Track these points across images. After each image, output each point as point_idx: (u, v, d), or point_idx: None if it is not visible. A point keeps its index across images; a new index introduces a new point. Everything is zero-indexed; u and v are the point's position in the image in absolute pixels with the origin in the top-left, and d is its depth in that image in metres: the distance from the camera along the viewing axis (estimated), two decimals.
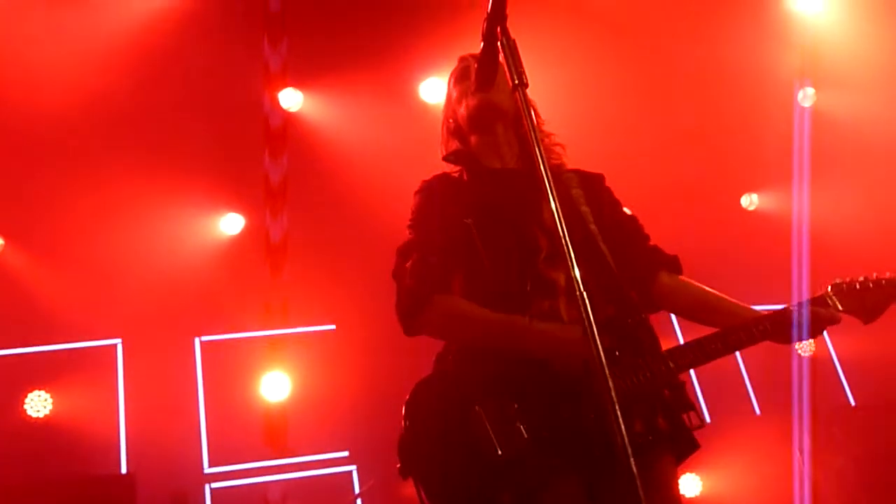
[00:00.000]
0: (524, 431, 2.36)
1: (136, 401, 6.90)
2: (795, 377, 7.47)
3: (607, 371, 1.86)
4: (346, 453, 7.19)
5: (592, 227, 2.72)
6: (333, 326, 7.64)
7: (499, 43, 2.21)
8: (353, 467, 7.16)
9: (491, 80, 2.50)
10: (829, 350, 8.26)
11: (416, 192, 2.84)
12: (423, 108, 7.29)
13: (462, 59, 2.97)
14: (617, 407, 1.82)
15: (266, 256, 7.32)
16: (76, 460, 6.45)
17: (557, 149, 2.89)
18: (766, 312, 2.62)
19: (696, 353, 2.51)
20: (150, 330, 7.00)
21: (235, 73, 6.84)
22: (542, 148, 2.06)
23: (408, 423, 2.49)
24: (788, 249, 7.52)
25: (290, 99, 7.21)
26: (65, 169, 6.72)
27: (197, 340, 7.36)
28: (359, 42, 6.82)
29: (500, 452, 2.34)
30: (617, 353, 2.44)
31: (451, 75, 2.99)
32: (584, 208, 2.74)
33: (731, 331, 2.58)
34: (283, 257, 7.30)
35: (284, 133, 7.19)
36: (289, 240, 7.34)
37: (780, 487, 7.42)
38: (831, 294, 2.70)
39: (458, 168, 2.87)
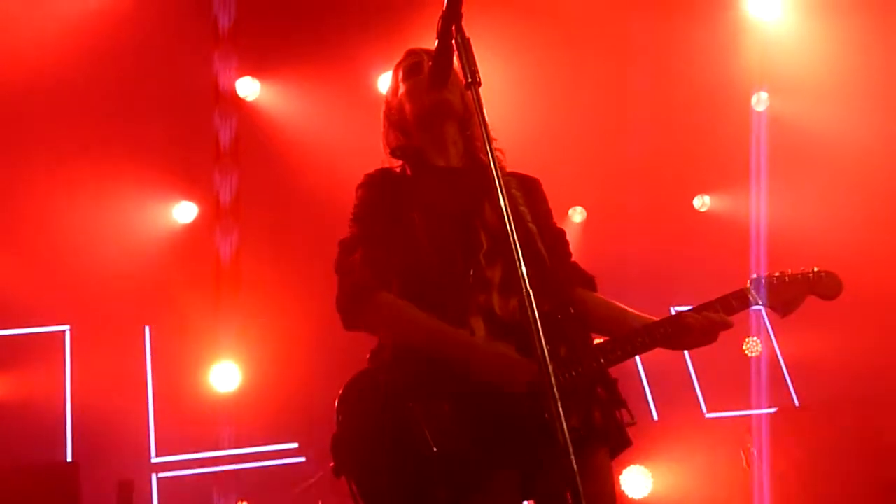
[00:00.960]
0: (459, 429, 2.36)
1: (83, 388, 6.82)
2: (753, 378, 7.60)
3: (550, 369, 1.88)
4: (295, 445, 7.17)
5: (531, 225, 2.75)
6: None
7: (453, 41, 2.22)
8: (302, 458, 7.14)
9: (445, 78, 2.51)
10: (775, 350, 8.39)
11: (359, 186, 2.81)
12: (381, 101, 7.26)
13: (412, 53, 2.94)
14: (559, 403, 1.85)
15: (219, 245, 7.27)
16: (20, 447, 6.36)
17: (497, 153, 2.77)
18: (670, 316, 2.67)
19: (624, 349, 2.55)
20: (99, 317, 6.92)
21: (186, 55, 6.78)
22: (492, 148, 2.08)
23: (341, 420, 2.48)
24: (739, 249, 7.64)
25: (247, 88, 7.15)
26: (15, 152, 6.60)
27: (146, 328, 7.29)
28: (316, 33, 6.79)
29: (434, 449, 2.33)
30: (548, 349, 2.43)
31: (399, 68, 2.96)
32: (523, 208, 2.77)
33: (655, 326, 2.63)
34: (236, 246, 7.27)
35: (241, 120, 7.15)
36: (242, 229, 7.31)
37: (727, 487, 7.54)
38: (750, 289, 2.76)
39: (399, 163, 2.87)
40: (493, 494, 2.36)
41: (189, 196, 7.51)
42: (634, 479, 7.64)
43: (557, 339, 2.48)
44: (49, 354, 6.91)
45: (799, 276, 2.83)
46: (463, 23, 2.22)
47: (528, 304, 1.94)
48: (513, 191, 2.79)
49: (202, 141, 7.09)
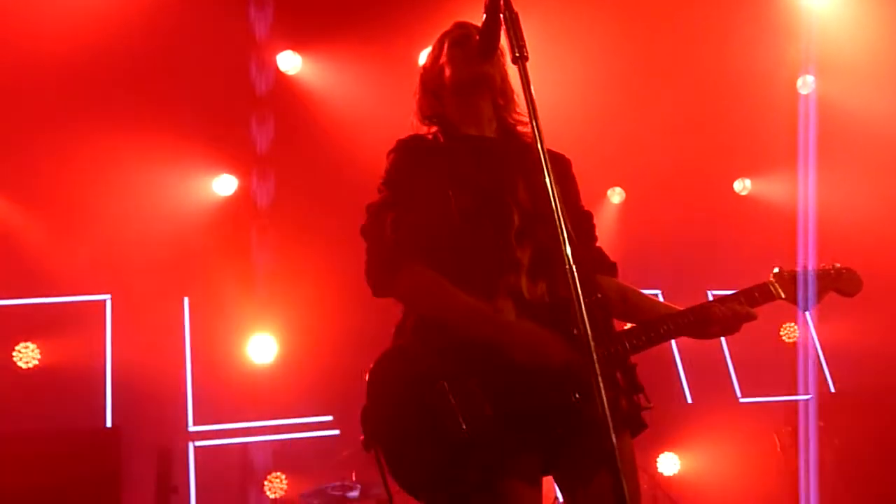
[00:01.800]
0: (488, 408, 2.37)
1: (123, 357, 6.92)
2: (801, 363, 7.54)
3: (594, 351, 1.87)
4: (330, 417, 7.24)
5: (560, 205, 2.72)
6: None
7: (501, 15, 2.21)
8: (337, 431, 7.21)
9: (492, 52, 2.51)
10: (812, 337, 8.32)
11: (391, 151, 2.76)
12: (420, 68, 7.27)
13: (461, 25, 2.89)
14: (601, 382, 1.84)
15: (259, 218, 7.33)
16: (62, 412, 6.48)
17: (528, 130, 2.74)
18: (694, 306, 2.68)
19: (649, 335, 2.56)
20: (139, 287, 7.01)
21: (230, 31, 6.82)
22: (539, 125, 2.07)
23: (371, 396, 2.48)
24: (779, 234, 7.57)
25: (289, 62, 7.18)
26: (58, 123, 6.69)
27: (186, 299, 7.38)
28: (359, 7, 6.80)
29: (464, 428, 2.35)
30: (575, 332, 2.40)
31: (446, 36, 2.90)
32: (557, 186, 2.72)
33: (679, 315, 2.64)
34: (269, 224, 7.32)
35: (274, 97, 7.19)
36: (279, 202, 7.36)
37: (760, 472, 7.52)
38: (773, 282, 2.81)
39: (431, 129, 2.83)
40: (519, 477, 2.38)
41: (230, 169, 7.56)
42: (668, 462, 7.67)
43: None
44: (91, 322, 7.00)
45: (821, 271, 2.89)
46: None
47: (571, 280, 1.94)
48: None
49: (246, 114, 7.14)
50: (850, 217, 7.67)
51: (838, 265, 2.92)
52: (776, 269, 2.85)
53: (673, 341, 8.37)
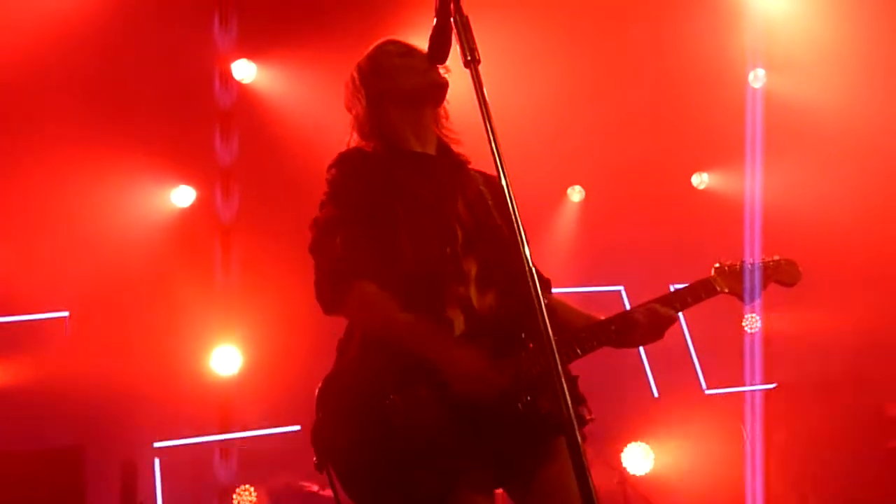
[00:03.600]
0: (440, 416, 2.40)
1: (83, 373, 6.83)
2: (747, 353, 7.62)
3: (557, 355, 1.87)
4: (297, 427, 7.19)
5: (498, 220, 2.75)
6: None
7: (451, 19, 2.21)
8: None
9: (444, 56, 2.51)
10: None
11: (332, 165, 2.77)
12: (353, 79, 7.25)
13: (395, 41, 2.93)
14: (565, 385, 1.83)
15: (219, 229, 7.26)
16: (23, 432, 6.37)
17: (462, 148, 2.87)
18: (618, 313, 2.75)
19: (592, 341, 2.62)
20: (99, 303, 6.92)
21: (187, 43, 6.75)
22: (493, 127, 2.07)
23: (320, 416, 2.52)
24: (738, 228, 7.65)
25: (243, 71, 7.13)
26: (11, 136, 6.58)
27: (146, 313, 7.28)
28: (313, 14, 6.77)
29: (418, 439, 2.37)
30: (523, 336, 2.52)
31: (384, 49, 2.91)
32: (491, 202, 2.76)
33: (603, 323, 2.71)
34: (235, 228, 7.26)
35: (236, 108, 7.13)
36: (241, 212, 7.30)
37: (728, 463, 7.59)
38: (716, 277, 2.92)
39: (371, 143, 2.81)
40: (472, 488, 2.42)
41: (187, 180, 7.49)
42: (635, 455, 7.70)
43: (527, 336, 2.52)
44: (49, 341, 6.90)
45: (760, 264, 3.00)
46: (461, 1, 2.22)
47: (530, 281, 1.94)
48: (480, 187, 2.80)
49: (200, 125, 7.07)
50: (803, 208, 7.78)
51: (777, 257, 3.05)
52: (717, 265, 2.95)
53: None
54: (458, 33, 2.19)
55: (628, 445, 7.68)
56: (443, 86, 2.78)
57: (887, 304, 7.52)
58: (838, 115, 7.61)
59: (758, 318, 8.48)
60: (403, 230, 2.59)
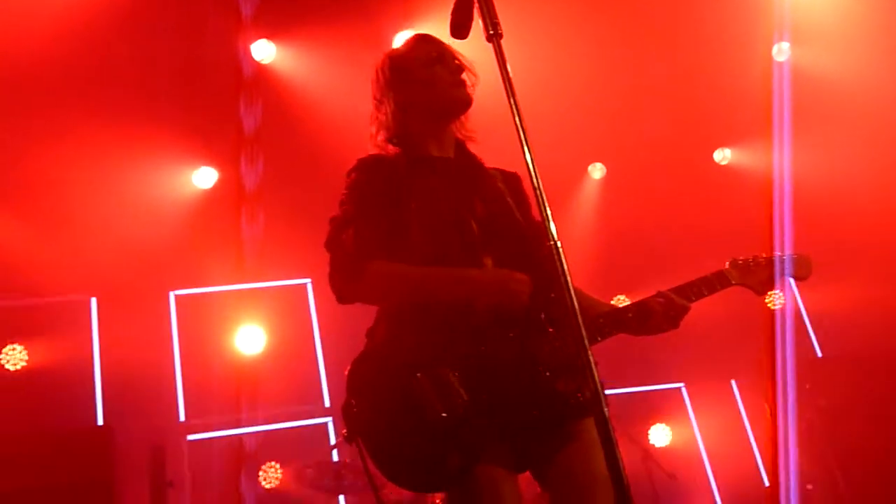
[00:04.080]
0: (464, 394, 2.49)
1: (111, 354, 6.91)
2: (778, 330, 7.58)
3: (581, 321, 1.92)
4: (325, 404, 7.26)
5: (517, 216, 2.86)
6: (308, 280, 7.66)
7: None
8: (328, 419, 7.23)
9: (466, 31, 2.52)
10: (797, 303, 8.36)
11: (353, 170, 2.85)
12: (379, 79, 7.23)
13: (427, 41, 2.95)
14: (592, 358, 1.89)
15: (240, 208, 7.29)
16: (52, 413, 6.46)
17: (475, 145, 2.98)
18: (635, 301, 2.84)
19: (610, 327, 2.72)
20: (124, 285, 6.98)
21: (208, 22, 6.75)
22: (516, 100, 2.08)
23: (350, 392, 2.60)
24: (760, 204, 7.60)
25: (263, 51, 7.14)
26: (35, 119, 6.62)
27: (171, 294, 7.36)
28: None
29: (444, 415, 2.46)
30: (543, 317, 2.64)
31: (414, 51, 2.95)
32: (509, 200, 2.87)
33: (620, 311, 2.82)
34: (257, 208, 7.29)
35: (258, 83, 7.13)
36: (263, 191, 7.33)
37: (747, 439, 7.59)
38: (730, 269, 3.03)
39: (393, 149, 2.89)
40: (496, 462, 2.51)
41: (209, 161, 7.52)
42: (659, 435, 7.73)
43: (546, 320, 2.63)
44: (77, 321, 6.98)
45: (773, 258, 3.09)
46: None
47: (556, 255, 1.98)
48: (499, 184, 2.90)
49: (221, 107, 7.08)
50: (830, 183, 7.71)
51: (789, 253, 3.15)
52: (733, 258, 3.06)
53: None
54: (481, 8, 2.20)
55: (654, 426, 7.71)
56: (468, 103, 2.86)
57: None
58: (864, 89, 7.53)
59: (781, 294, 8.43)
60: (417, 225, 2.68)
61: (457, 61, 2.85)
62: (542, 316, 2.63)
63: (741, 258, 3.05)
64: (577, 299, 2.74)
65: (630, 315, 2.77)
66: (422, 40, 2.97)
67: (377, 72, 2.99)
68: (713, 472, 7.86)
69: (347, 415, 2.60)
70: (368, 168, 2.83)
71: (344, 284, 2.66)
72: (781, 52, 7.85)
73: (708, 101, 7.88)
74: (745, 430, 8.05)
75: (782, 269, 3.10)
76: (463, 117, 2.94)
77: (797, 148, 7.76)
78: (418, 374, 2.51)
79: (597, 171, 8.67)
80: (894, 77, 7.45)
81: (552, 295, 2.59)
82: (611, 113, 7.75)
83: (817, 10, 7.46)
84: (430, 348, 2.56)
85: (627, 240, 8.26)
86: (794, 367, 7.10)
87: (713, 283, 2.95)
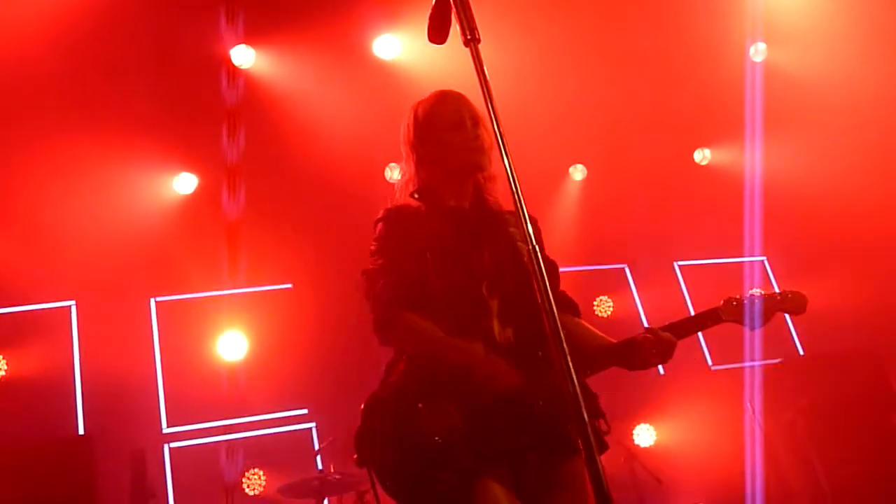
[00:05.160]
0: (461, 425, 2.74)
1: (92, 362, 6.86)
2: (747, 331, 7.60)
3: (566, 351, 2.02)
4: (304, 411, 7.23)
5: (524, 258, 2.91)
6: (290, 285, 7.64)
7: None
8: (312, 424, 7.20)
9: (443, 36, 2.51)
10: None
11: (380, 220, 3.09)
12: (377, 65, 7.25)
13: (450, 100, 3.13)
14: (582, 403, 1.97)
15: (221, 213, 7.26)
16: (32, 423, 6.41)
17: (497, 187, 3.15)
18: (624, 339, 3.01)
19: (602, 362, 2.94)
20: (104, 291, 6.94)
21: (187, 28, 6.72)
22: (493, 105, 2.12)
23: (364, 422, 2.90)
24: (741, 203, 7.65)
25: (242, 56, 7.11)
26: (14, 126, 6.57)
27: (152, 301, 7.32)
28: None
29: (438, 440, 2.72)
30: (540, 354, 2.84)
31: (437, 111, 3.12)
32: (521, 244, 3.01)
33: (614, 346, 3.01)
34: (239, 214, 7.26)
35: (238, 88, 7.10)
36: (244, 197, 7.30)
37: (730, 438, 7.60)
38: (723, 307, 3.18)
39: (415, 200, 3.11)
40: (494, 478, 2.71)
41: (189, 167, 7.49)
42: (642, 434, 7.74)
43: (543, 357, 2.84)
44: (56, 330, 6.93)
45: (768, 296, 3.25)
46: None
47: (533, 259, 2.07)
48: (511, 229, 3.09)
49: (201, 111, 7.05)
50: (804, 182, 7.76)
51: (784, 290, 3.28)
52: (728, 297, 3.19)
53: (642, 313, 8.48)
54: (458, 13, 2.22)
55: (638, 426, 7.72)
56: (482, 168, 3.06)
57: (892, 277, 7.52)
58: (840, 89, 7.60)
59: (761, 292, 8.46)
60: (435, 277, 2.93)
61: (475, 124, 3.04)
62: (540, 354, 2.83)
63: (735, 298, 3.19)
64: (578, 331, 3.06)
65: (620, 351, 2.96)
66: (444, 100, 3.15)
67: (404, 127, 3.20)
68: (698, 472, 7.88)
69: (359, 442, 2.88)
70: (393, 219, 3.08)
71: (383, 334, 2.95)
72: (758, 52, 7.90)
73: (688, 101, 7.93)
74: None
75: (776, 306, 3.22)
76: (482, 175, 3.13)
77: (776, 147, 7.81)
78: (419, 405, 2.78)
79: (578, 172, 8.69)
80: (868, 76, 7.51)
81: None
82: (591, 114, 7.77)
83: (792, 10, 7.51)
84: (432, 385, 2.82)
85: (609, 240, 8.28)
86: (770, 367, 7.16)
87: (704, 320, 3.14)
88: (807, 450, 6.96)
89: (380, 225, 3.10)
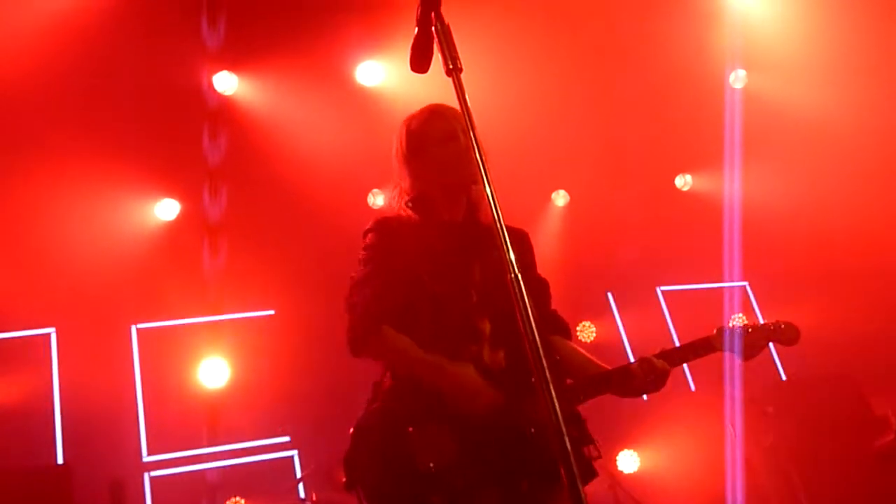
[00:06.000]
0: (451, 445, 2.71)
1: (71, 390, 6.79)
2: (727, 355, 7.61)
3: (554, 395, 2.00)
4: (286, 438, 7.18)
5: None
6: (272, 312, 7.61)
7: (433, 28, 2.25)
8: (294, 452, 7.16)
9: (425, 65, 2.53)
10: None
11: (369, 230, 3.05)
12: (360, 92, 7.28)
13: (443, 115, 3.10)
14: (563, 426, 1.97)
15: (203, 240, 7.24)
16: (10, 452, 6.32)
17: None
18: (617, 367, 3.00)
19: (595, 389, 2.92)
20: (84, 318, 6.88)
21: (170, 54, 6.72)
22: (475, 134, 2.16)
23: (353, 445, 2.85)
24: (721, 229, 7.69)
25: (225, 82, 7.12)
26: None
27: (133, 328, 7.27)
28: (295, 24, 6.76)
29: (431, 465, 2.68)
30: (533, 381, 2.73)
31: (430, 125, 3.11)
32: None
33: (609, 374, 2.98)
34: (221, 240, 7.24)
35: (221, 115, 7.11)
36: (226, 223, 7.28)
37: (714, 463, 7.60)
38: (716, 336, 3.16)
39: (408, 212, 3.09)
40: (482, 500, 2.69)
41: (171, 193, 7.46)
42: (626, 459, 7.72)
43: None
44: (35, 357, 6.86)
45: (761, 326, 3.26)
46: (442, 9, 2.24)
47: (516, 287, 2.06)
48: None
49: (183, 138, 7.04)
50: (783, 208, 7.82)
51: (777, 321, 3.30)
52: (722, 325, 3.17)
53: (625, 338, 8.49)
54: (440, 42, 2.24)
55: (621, 452, 7.71)
56: (476, 182, 2.98)
57: (871, 302, 7.57)
58: (819, 116, 7.66)
59: (742, 317, 8.51)
60: (425, 295, 2.89)
61: (468, 138, 2.97)
62: (533, 380, 2.72)
63: (729, 326, 3.17)
64: (570, 356, 3.04)
65: (613, 379, 2.94)
66: (437, 114, 3.13)
67: (396, 140, 3.18)
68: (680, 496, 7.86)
69: (348, 464, 2.83)
70: (383, 230, 3.04)
71: (354, 345, 2.89)
72: (738, 78, 7.98)
73: (669, 128, 7.98)
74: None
75: (769, 336, 3.24)
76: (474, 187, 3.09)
77: (754, 173, 7.87)
78: (410, 429, 2.73)
79: (560, 198, 8.73)
80: (847, 103, 7.59)
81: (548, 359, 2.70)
82: (573, 140, 7.82)
83: (772, 37, 7.60)
84: (421, 408, 2.77)
85: (591, 266, 8.30)
86: (752, 391, 7.17)
87: (697, 349, 3.11)
88: (788, 473, 6.96)
89: (370, 235, 3.05)
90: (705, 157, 8.46)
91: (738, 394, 7.27)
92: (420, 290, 2.89)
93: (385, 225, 3.06)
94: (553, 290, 3.22)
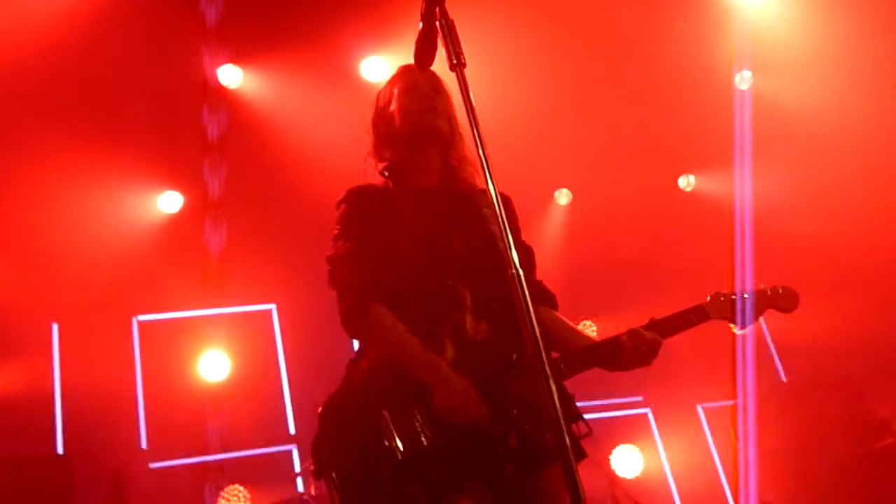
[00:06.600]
0: (426, 436, 2.56)
1: (72, 381, 6.80)
2: (739, 357, 7.62)
3: (552, 383, 1.93)
4: (292, 446, 7.18)
5: (500, 245, 2.83)
6: (273, 305, 7.61)
7: (437, 23, 2.24)
8: (293, 447, 7.16)
9: (430, 60, 2.53)
10: (762, 329, 8.42)
11: (341, 202, 2.95)
12: (365, 87, 7.28)
13: (409, 70, 3.01)
14: (559, 406, 1.92)
15: (204, 233, 7.24)
16: (11, 442, 6.33)
17: (470, 168, 2.98)
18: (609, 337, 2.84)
19: (582, 362, 2.73)
20: (86, 310, 6.89)
21: (173, 47, 6.73)
22: (479, 130, 2.11)
23: (322, 428, 2.71)
24: (724, 230, 7.67)
25: (229, 75, 7.12)
26: None
27: (135, 320, 7.27)
28: (300, 20, 6.76)
29: (403, 451, 2.53)
30: (515, 358, 2.67)
31: (394, 83, 3.04)
32: (493, 227, 2.84)
33: (596, 346, 2.81)
34: (222, 234, 7.24)
35: (224, 108, 7.11)
36: (228, 216, 7.29)
37: (714, 466, 7.61)
38: (710, 303, 2.97)
39: (382, 178, 2.98)
40: (460, 491, 2.56)
41: (173, 185, 7.47)
42: (626, 458, 7.71)
43: (518, 359, 2.67)
44: (37, 348, 6.87)
45: (759, 292, 3.06)
46: (447, 5, 2.23)
47: (517, 284, 1.99)
48: (484, 210, 2.91)
49: (186, 130, 7.06)
50: (789, 210, 7.80)
51: (775, 286, 3.09)
52: (715, 292, 2.99)
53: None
54: (444, 37, 2.23)
55: (617, 447, 7.70)
56: (436, 131, 2.91)
57: (876, 305, 7.55)
58: (825, 117, 7.64)
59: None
60: (403, 263, 2.77)
61: (434, 91, 2.92)
62: (515, 356, 2.66)
63: (723, 292, 3.00)
64: (556, 327, 2.87)
65: (601, 351, 2.78)
66: (403, 71, 3.04)
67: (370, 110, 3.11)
68: (680, 498, 7.86)
69: (318, 450, 2.69)
70: (356, 199, 2.93)
71: (350, 327, 2.79)
72: (744, 80, 7.96)
73: (673, 127, 7.97)
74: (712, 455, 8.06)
75: (767, 302, 3.06)
76: (448, 147, 2.97)
77: (759, 174, 7.85)
78: (385, 413, 2.58)
79: (563, 196, 8.72)
80: (854, 104, 7.57)
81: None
82: (577, 139, 7.81)
83: (778, 39, 7.58)
84: (399, 391, 2.63)
85: (593, 265, 8.29)
86: (755, 392, 7.15)
87: (690, 317, 2.92)
88: (791, 476, 6.96)
89: (342, 206, 2.95)
90: (709, 158, 8.44)
91: (747, 398, 7.26)
92: (399, 261, 2.77)
93: (356, 196, 2.95)
94: (554, 289, 3.14)
